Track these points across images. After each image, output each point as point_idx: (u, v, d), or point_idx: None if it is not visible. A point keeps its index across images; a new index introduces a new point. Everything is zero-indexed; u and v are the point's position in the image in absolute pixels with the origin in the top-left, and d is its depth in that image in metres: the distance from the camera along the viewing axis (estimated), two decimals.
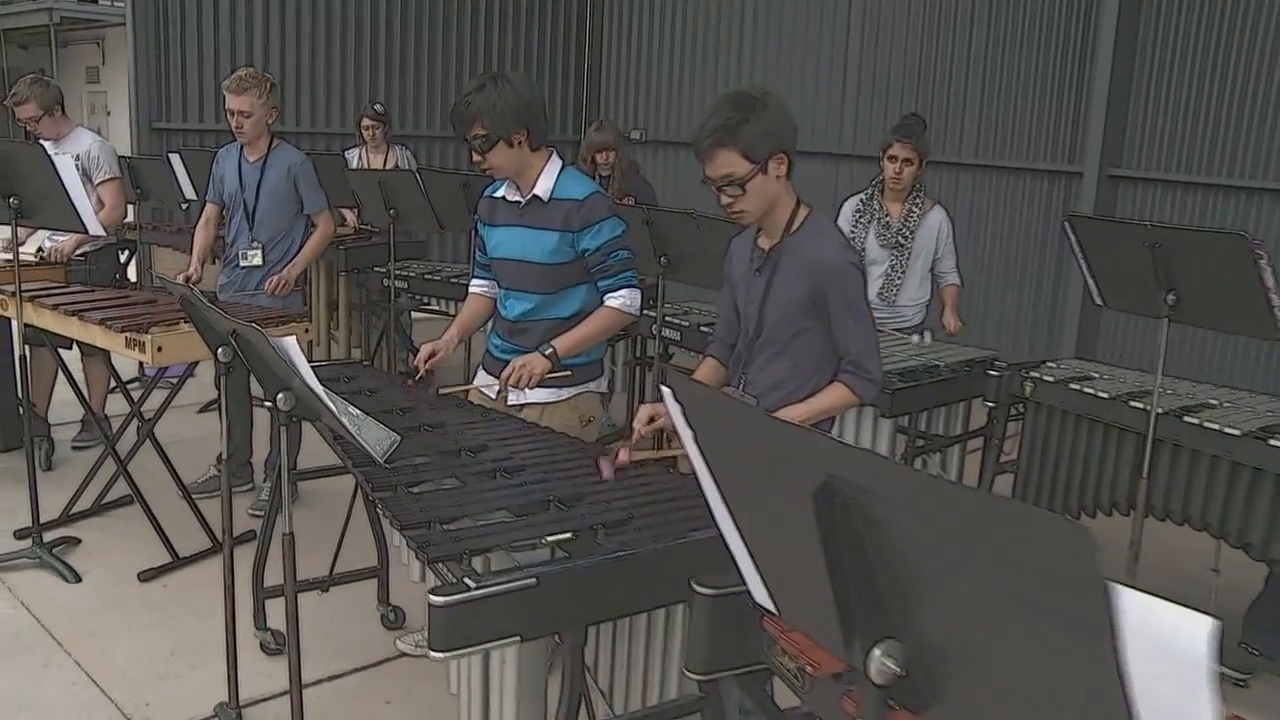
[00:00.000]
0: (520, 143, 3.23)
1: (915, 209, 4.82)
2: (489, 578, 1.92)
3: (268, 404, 2.35)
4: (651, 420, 2.86)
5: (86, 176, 5.41)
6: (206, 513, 4.64)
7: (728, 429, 1.16)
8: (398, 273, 6.03)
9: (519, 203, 3.35)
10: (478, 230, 3.57)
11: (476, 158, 3.25)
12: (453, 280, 5.85)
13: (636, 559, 2.06)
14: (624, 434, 5.57)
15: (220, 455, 5.32)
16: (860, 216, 4.89)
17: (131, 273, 7.66)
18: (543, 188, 3.29)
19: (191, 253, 5.13)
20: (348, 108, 9.24)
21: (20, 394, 4.46)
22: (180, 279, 4.80)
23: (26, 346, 4.31)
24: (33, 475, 4.39)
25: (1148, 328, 6.99)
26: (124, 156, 6.81)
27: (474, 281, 3.63)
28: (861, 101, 8.58)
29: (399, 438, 2.30)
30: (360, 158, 7.18)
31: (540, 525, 2.14)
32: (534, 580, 1.92)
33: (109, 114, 24.30)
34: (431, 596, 1.84)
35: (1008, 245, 7.80)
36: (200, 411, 6.35)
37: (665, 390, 1.31)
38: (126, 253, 7.51)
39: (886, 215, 4.82)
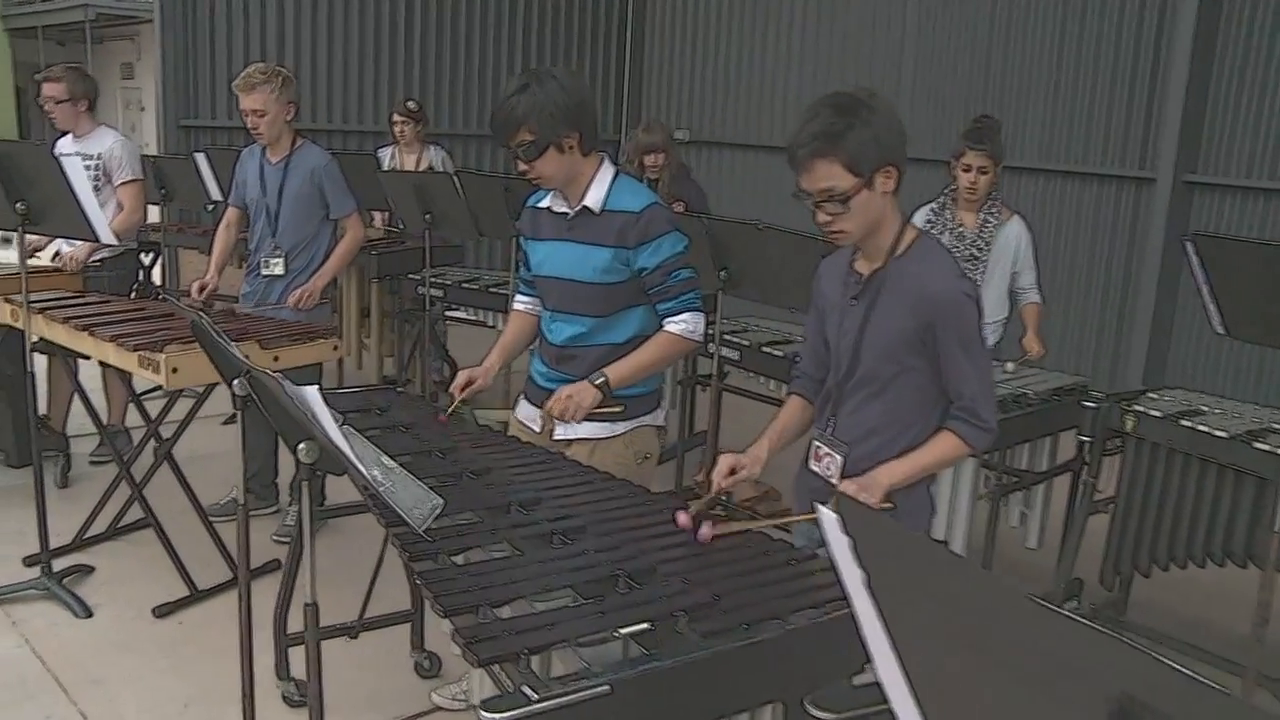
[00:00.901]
0: (571, 148, 2.88)
1: (992, 219, 4.43)
2: (553, 685, 1.56)
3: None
4: (732, 472, 2.51)
5: (107, 177, 5.12)
6: (227, 539, 4.31)
7: (937, 592, 0.80)
8: (433, 279, 5.70)
9: (566, 214, 3.00)
10: (521, 244, 3.22)
11: (522, 166, 2.90)
12: (492, 289, 5.51)
13: (729, 656, 1.70)
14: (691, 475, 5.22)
15: (245, 477, 5.06)
16: (931, 228, 4.51)
17: (156, 275, 7.38)
18: (594, 198, 2.94)
19: (210, 258, 4.81)
20: (381, 104, 8.92)
21: (30, 403, 4.14)
22: (196, 287, 4.48)
23: (38, 358, 4.03)
24: (41, 499, 4.08)
25: (1226, 350, 6.57)
26: (148, 156, 6.53)
27: (518, 298, 3.28)
28: (918, 100, 8.16)
29: (441, 502, 1.95)
30: (393, 157, 6.85)
31: (611, 612, 1.78)
32: (607, 688, 1.57)
33: (143, 109, 24.27)
34: (484, 713, 1.49)
35: (1072, 256, 7.37)
36: (225, 423, 6.01)
37: (824, 515, 0.95)
38: (151, 255, 7.24)
39: (960, 226, 4.43)
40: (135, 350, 3.45)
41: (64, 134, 5.26)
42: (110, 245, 4.38)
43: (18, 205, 3.62)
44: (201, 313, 2.59)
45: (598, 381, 2.89)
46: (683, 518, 2.31)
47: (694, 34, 9.61)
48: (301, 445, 1.93)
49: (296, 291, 4.52)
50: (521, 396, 3.25)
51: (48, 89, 5.08)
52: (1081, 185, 7.27)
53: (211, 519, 4.39)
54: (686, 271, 2.97)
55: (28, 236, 3.83)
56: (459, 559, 1.98)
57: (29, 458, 5.20)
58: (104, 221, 3.64)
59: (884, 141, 2.27)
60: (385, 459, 2.04)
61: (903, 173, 2.34)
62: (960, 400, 2.40)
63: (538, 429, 3.11)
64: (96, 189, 4.78)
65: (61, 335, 3.91)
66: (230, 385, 2.44)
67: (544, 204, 3.07)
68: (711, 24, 9.45)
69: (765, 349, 4.36)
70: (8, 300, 4.30)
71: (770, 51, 9.04)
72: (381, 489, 1.75)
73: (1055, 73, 7.30)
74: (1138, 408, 3.64)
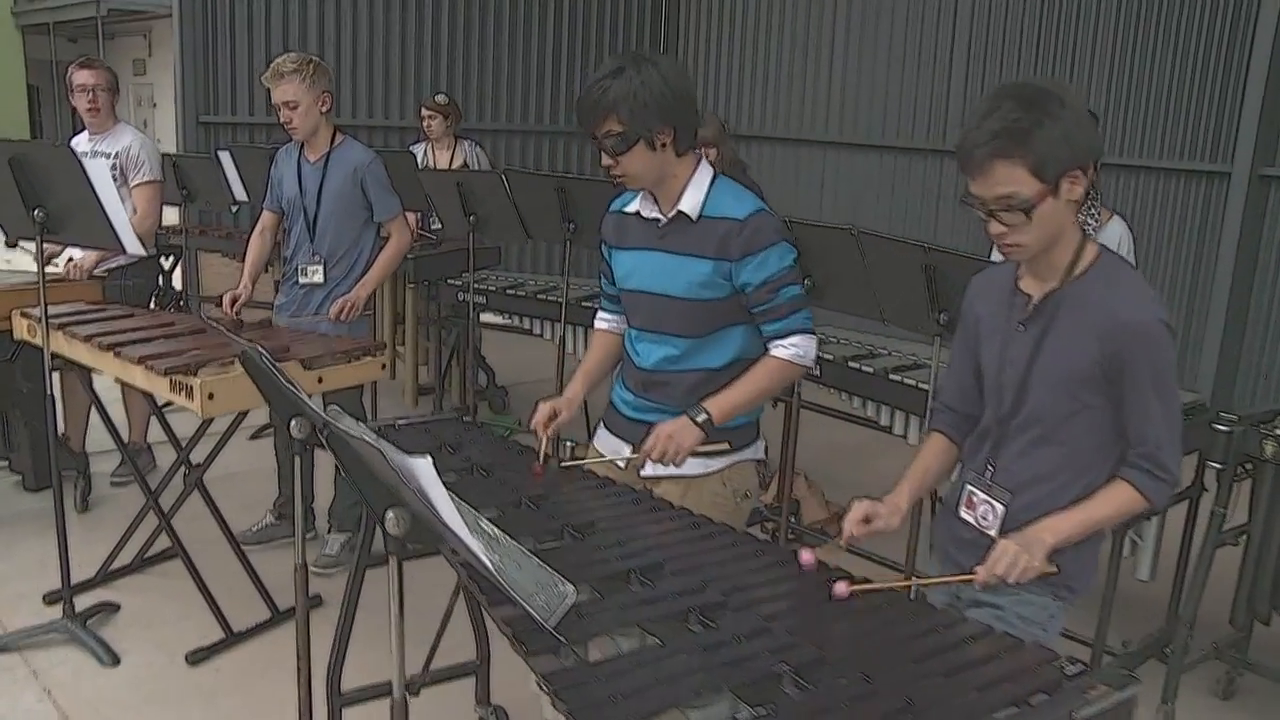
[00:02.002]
0: (665, 145, 2.52)
1: (1091, 221, 4.05)
2: None
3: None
4: (867, 520, 2.15)
5: (123, 177, 4.77)
6: (263, 571, 3.98)
7: None
8: (465, 283, 5.37)
9: (658, 221, 2.63)
10: (603, 253, 2.87)
11: (607, 161, 2.54)
12: (539, 296, 5.15)
13: None
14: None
15: (276, 502, 4.73)
16: None
17: (176, 280, 7.04)
18: (690, 202, 2.58)
19: (243, 265, 4.45)
20: (408, 99, 8.57)
21: (50, 425, 3.78)
22: (227, 299, 4.13)
23: (56, 374, 3.70)
24: (62, 530, 3.74)
25: None
26: (168, 154, 6.19)
27: (601, 316, 2.92)
28: (971, 90, 7.77)
29: (573, 591, 1.58)
30: (426, 155, 6.49)
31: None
32: None
33: (155, 106, 24.09)
34: None
35: (1141, 253, 6.98)
36: (252, 438, 5.68)
37: None
38: (171, 259, 6.91)
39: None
40: (166, 374, 3.09)
41: (79, 131, 4.93)
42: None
43: (35, 212, 3.27)
44: (257, 345, 2.23)
45: (699, 419, 2.53)
46: (805, 556, 1.98)
47: (728, 22, 9.21)
48: (389, 513, 1.57)
49: (338, 302, 4.16)
50: (600, 425, 2.89)
51: (87, 77, 4.74)
52: (1148, 179, 6.89)
53: (244, 547, 4.06)
54: (796, 288, 2.60)
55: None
56: (581, 651, 1.61)
57: (47, 480, 4.89)
58: (131, 231, 3.29)
59: (1076, 141, 1.91)
60: (484, 522, 1.68)
61: (1093, 178, 1.97)
62: (1142, 446, 2.04)
63: (623, 464, 2.75)
64: None
65: (83, 354, 3.57)
66: (287, 426, 2.08)
67: (631, 208, 2.71)
68: (748, 10, 9.05)
69: (853, 363, 3.99)
70: (24, 315, 3.96)
71: (812, 39, 8.64)
72: (497, 572, 1.38)
73: (1119, 62, 6.90)
74: (1278, 432, 3.26)
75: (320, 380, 3.34)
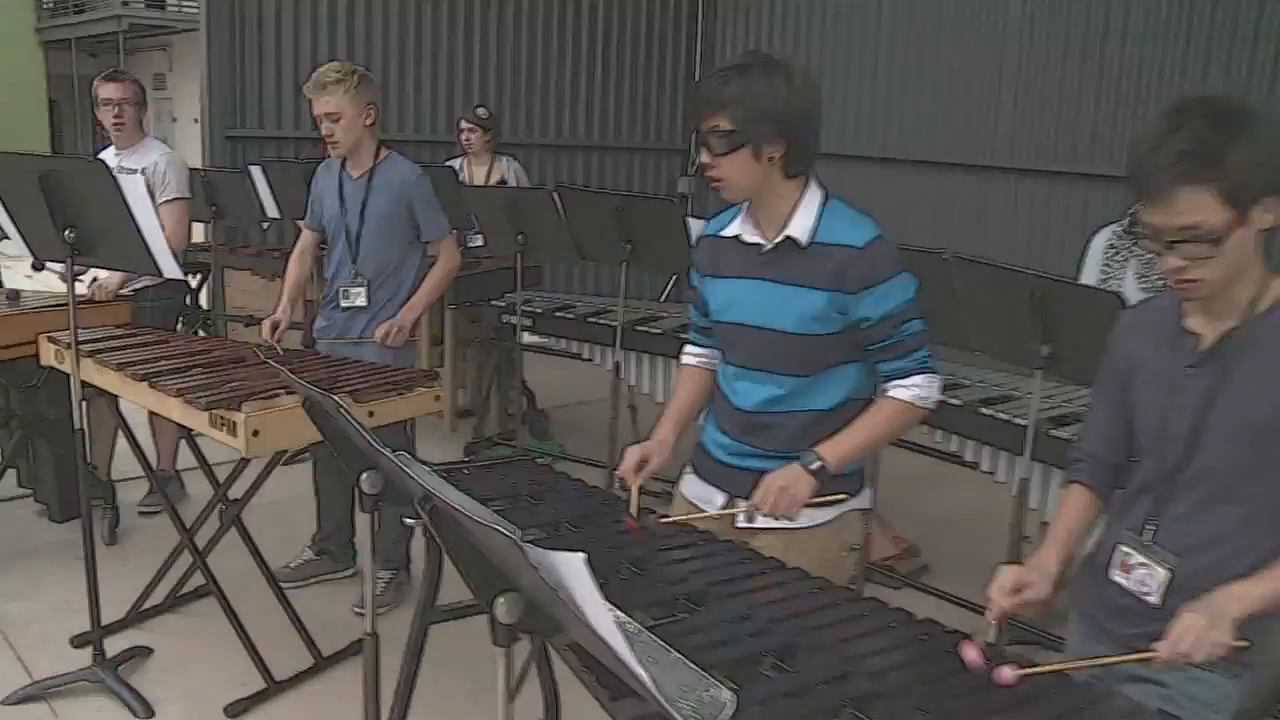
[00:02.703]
0: (772, 159, 2.27)
1: None
2: None
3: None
4: (1018, 590, 1.89)
5: (150, 194, 4.54)
6: (303, 611, 3.74)
7: None
8: (510, 304, 5.13)
9: (761, 247, 2.38)
10: (694, 281, 2.62)
11: (705, 158, 2.30)
12: (590, 320, 4.89)
13: None
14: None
15: (315, 536, 4.49)
16: (1114, 253, 3.87)
17: (203, 298, 6.82)
18: (800, 226, 2.32)
19: (281, 284, 4.20)
20: (440, 112, 8.36)
21: (79, 456, 3.54)
22: (267, 326, 3.88)
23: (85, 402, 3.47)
24: (92, 573, 3.50)
25: None
26: (195, 169, 5.98)
27: (690, 350, 2.67)
28: (1023, 106, 7.51)
29: (732, 699, 1.32)
30: (462, 170, 6.26)
31: None
32: None
33: (174, 120, 24.07)
34: None
35: None
36: (287, 462, 5.40)
37: None
38: (198, 278, 6.69)
39: (1150, 252, 3.78)
40: (208, 408, 2.85)
41: (102, 147, 4.72)
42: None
43: (66, 233, 3.04)
44: (330, 395, 1.98)
45: (813, 466, 2.28)
46: (971, 653, 1.70)
47: (768, 35, 8.97)
48: (500, 600, 1.31)
49: (383, 326, 3.91)
50: (688, 469, 2.64)
51: (113, 91, 4.53)
52: None
53: (283, 585, 3.81)
54: (918, 323, 2.34)
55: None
56: None
57: (74, 511, 4.67)
58: (168, 253, 3.05)
59: (1273, 164, 1.65)
60: (622, 616, 1.43)
61: None
62: None
63: (716, 513, 2.50)
64: None
65: (114, 383, 3.33)
66: (358, 482, 1.83)
67: (729, 232, 2.45)
68: (788, 23, 8.81)
69: (985, 410, 3.69)
70: (51, 340, 3.73)
71: (855, 54, 8.37)
72: (656, 688, 1.11)
73: (1180, 66, 6.62)
74: None
75: (371, 414, 3.09)
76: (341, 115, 3.78)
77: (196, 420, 2.93)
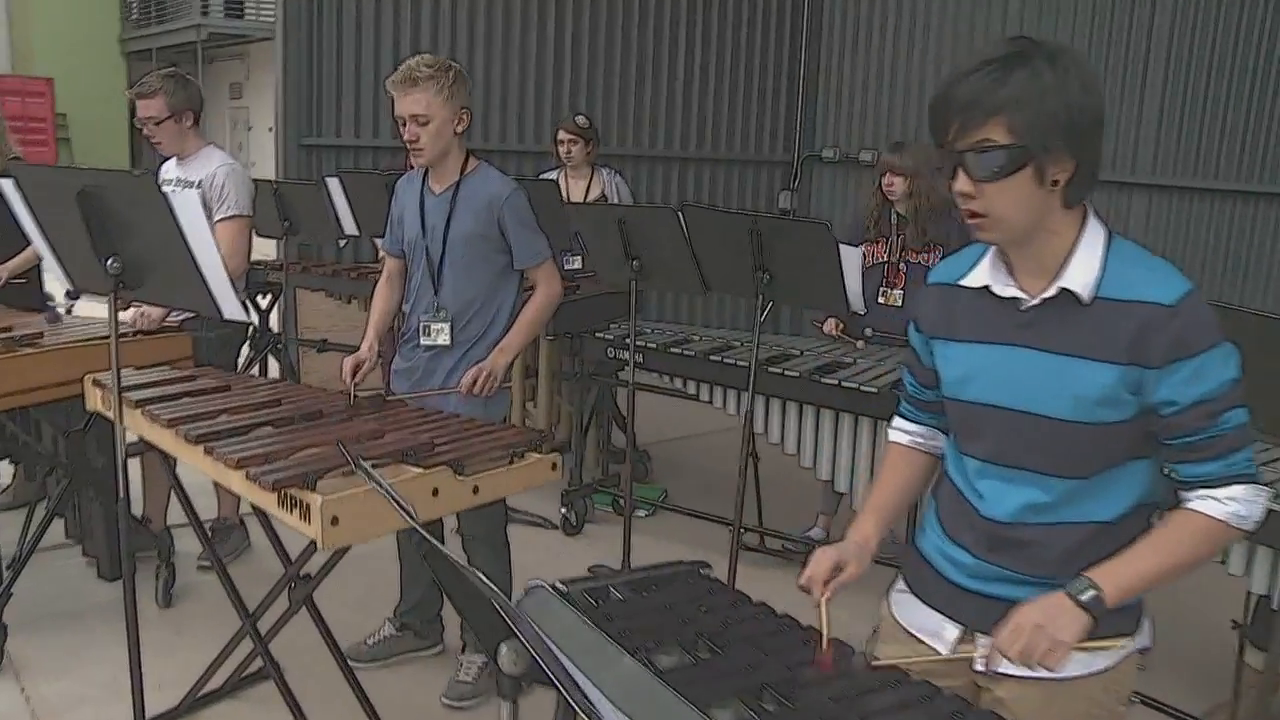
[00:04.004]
0: (1057, 183, 1.62)
1: None
2: None
3: None
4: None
5: (206, 209, 3.99)
6: (379, 700, 3.15)
7: None
8: (618, 338, 4.50)
9: (1021, 301, 1.72)
10: (913, 341, 1.97)
11: (964, 187, 1.64)
12: (713, 357, 4.24)
13: None
14: None
15: (397, 609, 3.90)
16: None
17: (274, 320, 6.28)
18: (1081, 275, 1.66)
19: (366, 320, 3.62)
20: (527, 120, 7.80)
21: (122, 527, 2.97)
22: (348, 366, 3.29)
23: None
24: (136, 664, 2.93)
25: None
26: (265, 181, 5.47)
27: (902, 425, 2.03)
28: (1169, 118, 6.77)
29: None
30: (560, 184, 5.65)
31: None
32: None
33: (249, 129, 24.05)
34: None
35: None
36: None
37: None
38: (269, 298, 6.17)
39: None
40: (275, 487, 2.25)
41: (169, 156, 4.18)
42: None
43: (110, 263, 2.47)
44: (429, 541, 1.36)
45: (1085, 598, 1.63)
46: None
47: (876, 52, 8.28)
48: None
49: (470, 372, 3.29)
50: (899, 586, 1.99)
51: (143, 107, 3.98)
52: None
53: (353, 665, 3.22)
54: (1240, 412, 1.66)
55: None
56: None
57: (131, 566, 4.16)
58: (230, 289, 2.46)
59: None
60: None
61: None
62: None
63: (945, 651, 1.84)
64: None
65: (167, 442, 2.75)
66: (495, 656, 1.21)
67: (971, 281, 1.79)
68: (901, 34, 8.10)
69: None
70: (97, 384, 3.17)
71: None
72: None
73: None
74: None
75: (476, 490, 2.48)
76: (431, 118, 3.17)
77: (262, 499, 2.33)
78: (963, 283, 1.81)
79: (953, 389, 1.83)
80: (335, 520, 2.20)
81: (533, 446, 2.68)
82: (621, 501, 5.05)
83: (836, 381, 3.88)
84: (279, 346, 6.04)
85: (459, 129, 3.27)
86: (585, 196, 5.58)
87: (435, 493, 2.39)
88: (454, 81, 3.20)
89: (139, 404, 2.85)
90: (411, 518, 1.46)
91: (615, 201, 5.67)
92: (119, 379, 2.69)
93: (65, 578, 4.26)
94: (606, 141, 7.89)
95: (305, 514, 2.24)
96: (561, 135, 5.62)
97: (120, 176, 2.39)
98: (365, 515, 2.22)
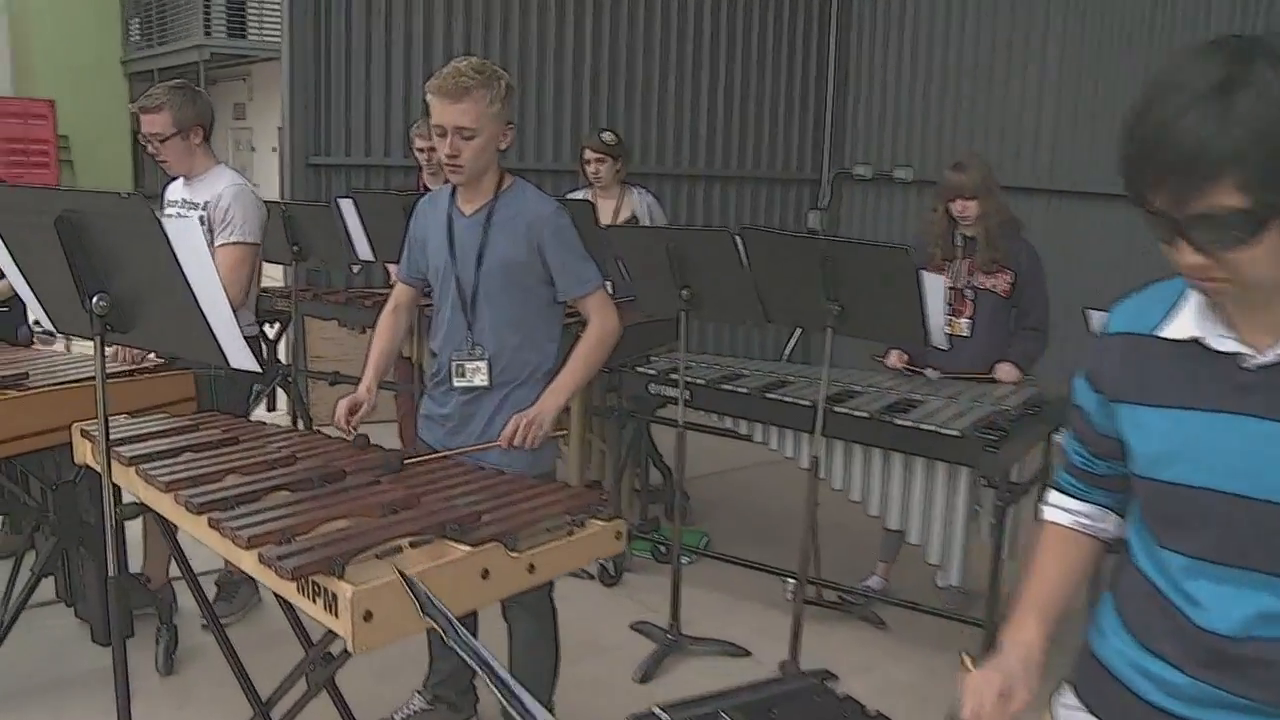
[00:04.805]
0: None
1: None
2: None
3: None
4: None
5: (209, 234, 3.61)
6: None
7: None
8: (662, 373, 4.11)
9: (1240, 358, 1.33)
10: (1081, 402, 1.57)
11: (1194, 260, 1.25)
12: (769, 395, 3.83)
13: None
14: None
15: (427, 681, 3.49)
16: None
17: (282, 351, 5.90)
18: None
19: (366, 359, 3.18)
20: (546, 136, 7.43)
21: (114, 588, 2.56)
22: (343, 409, 2.88)
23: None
24: None
25: None
26: (274, 202, 5.10)
27: (1061, 502, 1.67)
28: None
29: None
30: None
31: None
32: None
33: (253, 150, 23.82)
34: None
35: None
36: None
37: None
38: (276, 327, 5.78)
39: None
40: (295, 575, 1.85)
41: (176, 177, 3.81)
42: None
43: (95, 301, 2.08)
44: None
45: None
46: None
47: (910, 63, 7.90)
48: None
49: (513, 422, 2.86)
50: (1069, 701, 1.59)
51: (147, 122, 3.59)
52: None
53: None
54: None
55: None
56: None
57: (128, 630, 3.76)
58: (237, 333, 2.07)
59: None
60: None
61: None
62: None
63: None
64: None
65: (167, 508, 2.36)
66: None
67: (1173, 331, 1.40)
68: (934, 50, 7.73)
69: None
70: (85, 435, 2.78)
71: (1014, 75, 7.27)
72: None
73: None
74: None
75: (532, 569, 2.08)
76: (477, 132, 2.78)
77: (280, 585, 1.93)
78: (1160, 333, 1.42)
79: (1149, 467, 1.43)
80: (369, 615, 1.80)
81: (593, 511, 2.28)
82: (662, 549, 4.66)
83: (913, 423, 3.49)
84: (288, 379, 5.66)
85: (502, 146, 2.88)
86: (614, 219, 5.20)
87: (485, 574, 2.00)
88: (505, 93, 2.81)
89: (132, 461, 2.46)
90: (484, 664, 1.06)
91: (648, 224, 5.29)
92: (107, 432, 2.30)
93: (55, 640, 3.85)
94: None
95: (332, 605, 1.85)
96: (587, 154, 5.24)
97: (105, 198, 2.00)
98: (405, 609, 1.82)
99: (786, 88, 8.22)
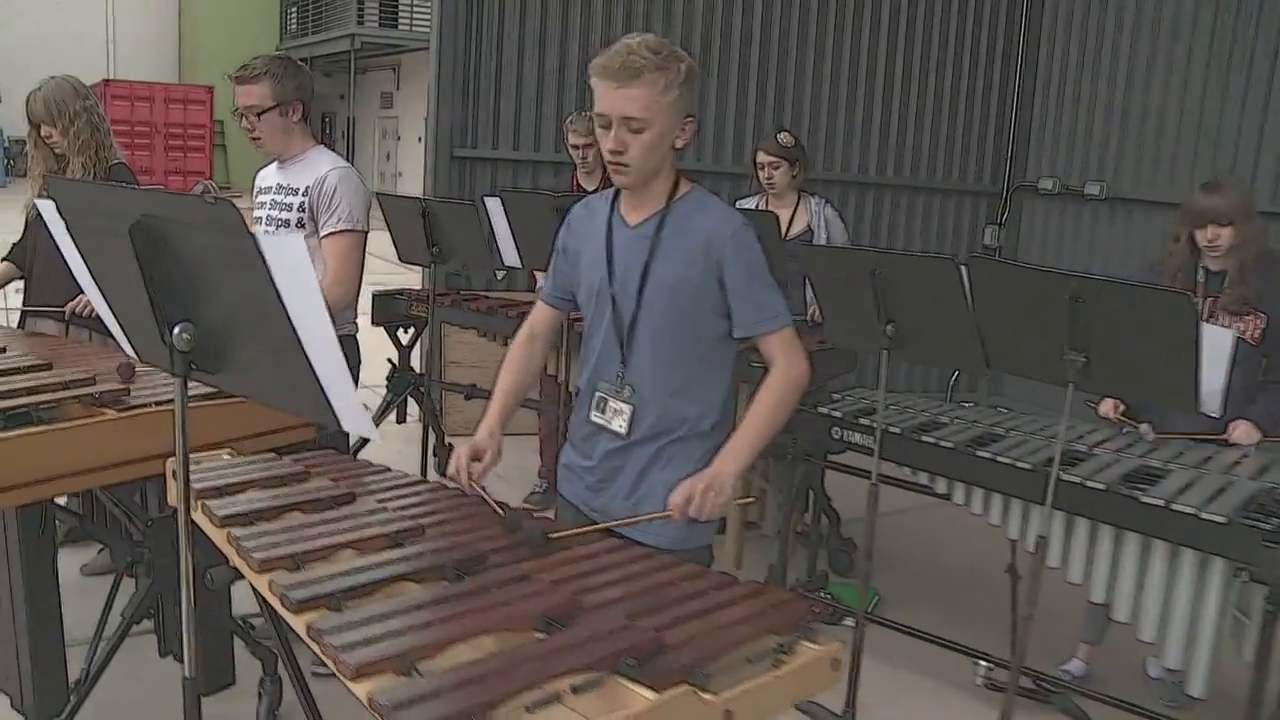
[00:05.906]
0: None
1: None
2: None
3: None
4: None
5: (312, 222, 3.19)
6: None
7: None
8: (849, 415, 3.51)
9: None
10: None
11: None
12: (979, 454, 3.18)
13: None
14: None
15: None
16: None
17: (416, 359, 5.48)
18: None
19: (491, 391, 2.62)
20: (707, 136, 6.88)
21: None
22: (462, 457, 2.32)
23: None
24: None
25: None
26: (413, 197, 4.69)
27: None
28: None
29: None
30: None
31: None
32: None
33: (399, 139, 23.99)
34: None
35: None
36: None
37: None
38: (411, 332, 5.38)
39: None
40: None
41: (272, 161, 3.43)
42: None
43: (178, 333, 1.59)
44: None
45: None
46: None
47: (1107, 54, 7.08)
48: None
49: (684, 487, 2.22)
50: None
51: (243, 94, 3.24)
52: None
53: None
54: None
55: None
56: None
57: (225, 678, 3.37)
58: (349, 384, 1.56)
59: None
60: None
61: None
62: None
63: None
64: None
65: (263, 588, 1.87)
66: None
67: None
68: (1131, 37, 6.91)
69: None
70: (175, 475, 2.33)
71: (1210, 83, 6.43)
72: None
73: None
74: None
75: (729, 715, 1.52)
76: (648, 124, 2.20)
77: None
78: None
79: None
80: None
81: (804, 630, 1.71)
82: (831, 609, 4.08)
83: (1163, 501, 2.82)
84: (420, 389, 5.24)
85: (679, 144, 2.31)
86: (788, 230, 4.62)
87: None
88: (685, 78, 2.24)
89: (225, 523, 2.00)
90: None
91: (823, 238, 4.70)
92: (188, 489, 1.83)
93: (154, 683, 3.45)
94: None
95: None
96: (761, 158, 4.68)
97: (188, 202, 1.51)
98: None
99: (969, 92, 7.50)
